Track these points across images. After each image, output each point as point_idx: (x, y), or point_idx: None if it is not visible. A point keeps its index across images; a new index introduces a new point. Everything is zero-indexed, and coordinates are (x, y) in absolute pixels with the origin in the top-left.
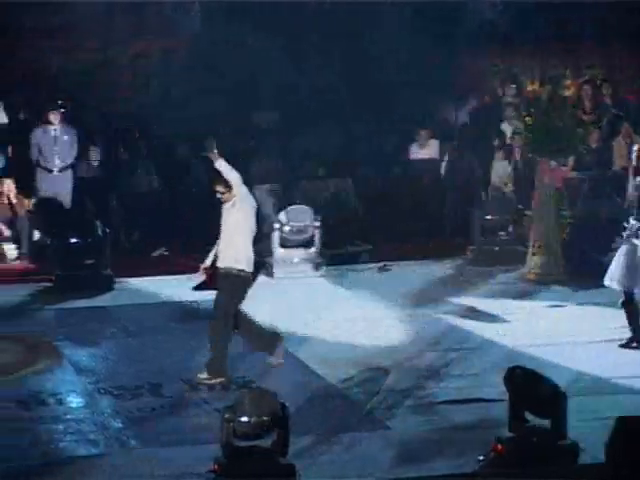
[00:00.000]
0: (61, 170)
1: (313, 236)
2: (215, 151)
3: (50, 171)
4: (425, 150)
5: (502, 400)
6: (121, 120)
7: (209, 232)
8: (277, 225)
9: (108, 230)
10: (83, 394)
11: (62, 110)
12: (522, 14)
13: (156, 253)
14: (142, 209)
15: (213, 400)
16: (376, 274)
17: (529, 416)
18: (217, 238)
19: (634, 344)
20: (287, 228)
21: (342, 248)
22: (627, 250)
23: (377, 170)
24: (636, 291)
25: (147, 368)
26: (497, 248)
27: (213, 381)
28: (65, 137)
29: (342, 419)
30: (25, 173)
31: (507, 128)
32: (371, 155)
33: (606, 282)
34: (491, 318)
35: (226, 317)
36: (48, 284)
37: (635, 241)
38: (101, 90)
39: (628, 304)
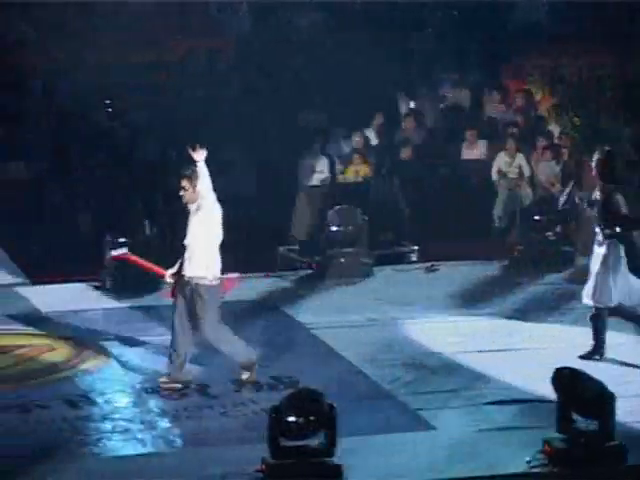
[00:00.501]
0: None
1: None
2: (204, 152)
3: None
4: (473, 150)
5: (550, 401)
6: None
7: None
8: None
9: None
10: (131, 393)
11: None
12: (568, 13)
13: (117, 252)
14: None
15: (261, 400)
16: (423, 274)
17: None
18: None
19: (596, 357)
20: None
21: (389, 249)
22: (594, 262)
23: (425, 170)
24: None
25: (195, 368)
26: (544, 248)
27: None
28: None
29: (389, 419)
30: None
31: (555, 128)
32: (419, 155)
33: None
34: (539, 319)
35: (218, 323)
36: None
37: (598, 249)
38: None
39: (596, 318)
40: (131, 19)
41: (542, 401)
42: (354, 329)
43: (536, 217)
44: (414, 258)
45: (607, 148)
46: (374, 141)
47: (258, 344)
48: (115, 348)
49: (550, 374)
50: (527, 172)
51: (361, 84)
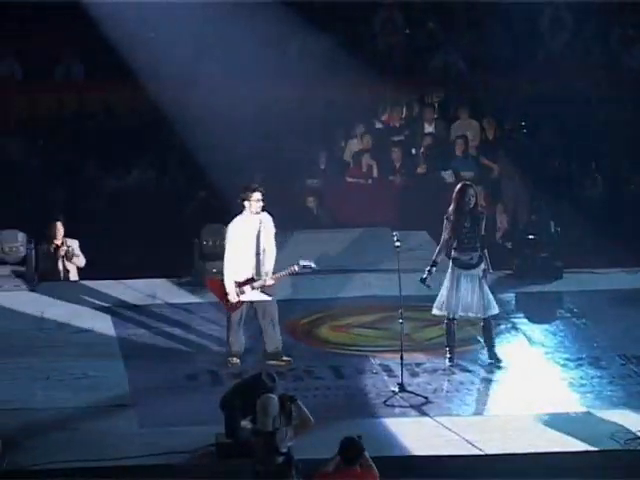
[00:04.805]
0: None
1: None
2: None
3: None
4: None
5: None
6: None
7: None
8: None
9: (559, 229)
10: (533, 362)
11: None
12: None
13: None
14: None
15: None
16: None
17: None
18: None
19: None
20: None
21: None
22: (451, 278)
23: None
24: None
25: (587, 344)
26: None
27: None
28: None
29: None
30: None
31: None
32: None
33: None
34: None
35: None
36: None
37: (458, 271)
38: None
39: (448, 326)
40: None
41: None
42: None
43: None
44: None
45: (465, 182)
46: None
47: (635, 325)
48: (524, 325)
49: None
50: None
51: None
